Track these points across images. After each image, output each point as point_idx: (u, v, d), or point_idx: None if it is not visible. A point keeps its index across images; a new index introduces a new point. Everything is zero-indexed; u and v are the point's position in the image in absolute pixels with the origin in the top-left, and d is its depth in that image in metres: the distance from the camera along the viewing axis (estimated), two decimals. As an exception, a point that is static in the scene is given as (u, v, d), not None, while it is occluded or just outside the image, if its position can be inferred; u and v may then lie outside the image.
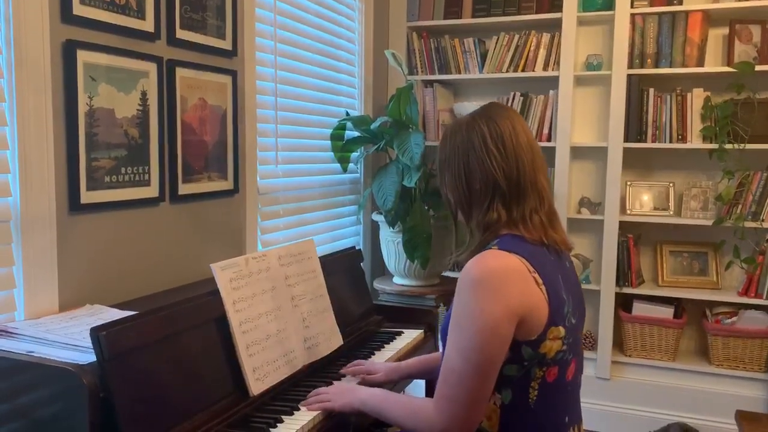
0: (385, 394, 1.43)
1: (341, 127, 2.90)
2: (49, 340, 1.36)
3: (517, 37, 3.25)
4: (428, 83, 3.41)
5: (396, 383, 1.77)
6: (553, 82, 3.19)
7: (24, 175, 1.52)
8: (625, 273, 3.11)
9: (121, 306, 1.65)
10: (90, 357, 1.25)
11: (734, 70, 2.86)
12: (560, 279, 1.31)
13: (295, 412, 1.48)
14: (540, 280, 1.24)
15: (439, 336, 1.41)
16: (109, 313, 1.56)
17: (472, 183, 1.34)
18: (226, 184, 2.19)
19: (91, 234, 1.71)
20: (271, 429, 1.39)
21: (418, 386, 2.31)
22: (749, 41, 2.95)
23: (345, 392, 1.49)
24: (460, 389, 1.22)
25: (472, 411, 1.23)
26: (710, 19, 3.01)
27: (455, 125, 1.39)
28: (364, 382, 1.67)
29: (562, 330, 1.25)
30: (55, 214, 1.59)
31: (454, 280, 1.68)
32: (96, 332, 1.22)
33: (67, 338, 1.36)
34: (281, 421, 1.42)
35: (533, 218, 1.31)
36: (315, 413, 1.46)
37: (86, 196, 1.67)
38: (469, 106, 3.09)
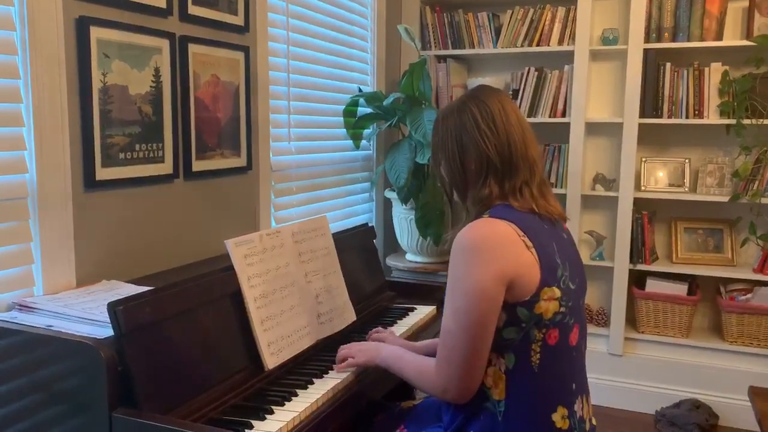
0: (400, 353, 1.49)
1: (354, 104, 2.89)
2: (67, 315, 1.38)
3: (531, 11, 3.20)
4: (441, 58, 3.37)
5: None
6: (569, 57, 3.15)
7: (40, 152, 1.53)
8: (639, 250, 3.09)
9: (136, 281, 1.68)
10: (107, 331, 1.27)
11: (754, 43, 2.80)
12: (554, 245, 1.35)
13: (309, 386, 1.49)
14: (530, 243, 1.30)
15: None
16: (125, 289, 1.58)
17: (466, 163, 1.40)
18: (240, 161, 2.20)
19: (107, 210, 1.73)
20: (285, 402, 1.40)
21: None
22: (770, 14, 2.89)
23: (369, 349, 1.56)
24: (455, 351, 1.28)
25: (468, 372, 1.28)
26: (730, -9, 2.96)
27: (447, 109, 1.46)
28: None
29: (557, 291, 1.29)
30: (71, 190, 1.61)
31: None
32: (113, 307, 1.25)
33: (84, 313, 1.38)
34: (296, 395, 1.44)
35: (523, 190, 1.38)
36: (328, 388, 1.48)
37: (101, 173, 1.69)
38: (483, 83, 3.06)
